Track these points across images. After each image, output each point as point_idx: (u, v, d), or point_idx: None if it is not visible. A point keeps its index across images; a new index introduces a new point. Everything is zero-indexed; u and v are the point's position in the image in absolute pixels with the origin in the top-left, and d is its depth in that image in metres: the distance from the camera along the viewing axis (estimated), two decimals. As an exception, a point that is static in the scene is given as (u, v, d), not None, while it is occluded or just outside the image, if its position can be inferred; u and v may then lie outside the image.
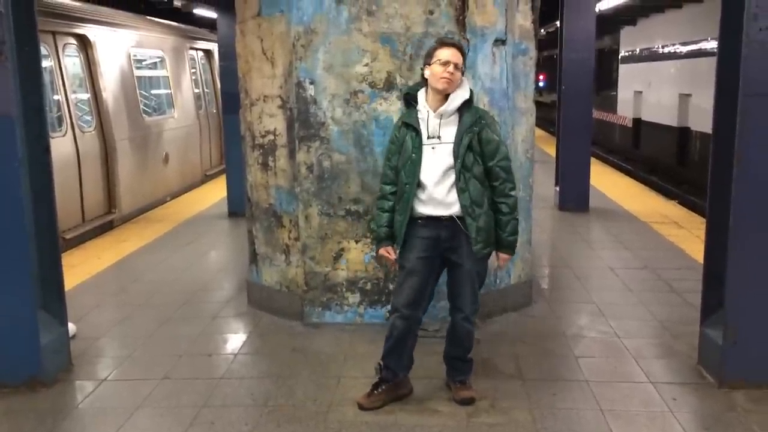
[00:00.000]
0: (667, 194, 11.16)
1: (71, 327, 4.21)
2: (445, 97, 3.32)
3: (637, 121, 17.79)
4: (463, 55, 3.35)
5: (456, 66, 3.27)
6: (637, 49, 18.12)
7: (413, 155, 3.33)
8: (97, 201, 7.79)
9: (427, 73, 3.34)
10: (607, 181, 10.08)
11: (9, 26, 3.52)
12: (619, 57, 19.77)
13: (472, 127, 3.31)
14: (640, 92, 17.69)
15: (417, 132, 3.35)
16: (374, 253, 3.89)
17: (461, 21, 4.27)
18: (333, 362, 4.00)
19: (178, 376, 3.87)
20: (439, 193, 3.32)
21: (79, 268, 5.99)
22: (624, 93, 19.20)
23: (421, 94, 3.40)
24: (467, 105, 3.36)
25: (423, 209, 3.36)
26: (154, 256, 6.51)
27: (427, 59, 3.34)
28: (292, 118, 4.47)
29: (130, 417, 3.42)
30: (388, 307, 4.40)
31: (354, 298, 4.54)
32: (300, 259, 4.57)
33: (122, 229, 7.70)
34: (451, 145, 3.31)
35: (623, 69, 19.49)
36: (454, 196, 3.32)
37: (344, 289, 4.54)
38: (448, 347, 3.60)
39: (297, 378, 3.81)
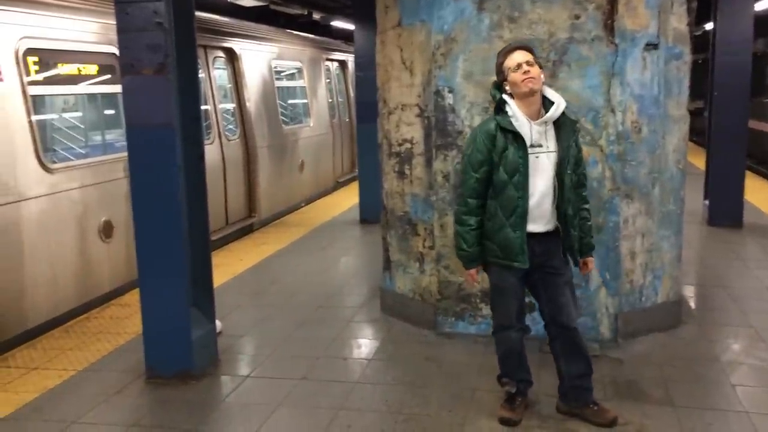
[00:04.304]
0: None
1: (218, 324, 4.44)
2: (541, 101, 3.18)
3: (796, 130, 16.26)
4: (529, 50, 3.22)
5: (528, 62, 3.14)
6: (797, 52, 16.57)
7: (521, 167, 3.15)
8: (239, 205, 8.23)
9: (508, 87, 3.21)
10: (762, 195, 9.26)
11: (171, 42, 3.79)
12: (775, 60, 18.18)
13: (573, 134, 3.24)
14: (800, 98, 16.17)
15: (520, 139, 3.16)
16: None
17: (609, 25, 4.08)
18: (467, 373, 3.94)
19: (316, 377, 3.97)
20: (541, 206, 3.19)
21: (222, 269, 6.33)
22: (780, 99, 17.63)
23: (511, 102, 3.21)
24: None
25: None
26: (290, 259, 6.76)
27: (500, 76, 3.23)
28: (429, 126, 4.47)
29: (272, 414, 3.55)
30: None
31: (488, 309, 4.41)
32: (434, 267, 4.55)
33: (261, 233, 8.08)
34: (554, 154, 3.17)
35: (779, 73, 17.89)
36: (551, 208, 3.20)
37: (478, 300, 4.46)
38: (567, 367, 3.35)
39: (431, 387, 3.79)
